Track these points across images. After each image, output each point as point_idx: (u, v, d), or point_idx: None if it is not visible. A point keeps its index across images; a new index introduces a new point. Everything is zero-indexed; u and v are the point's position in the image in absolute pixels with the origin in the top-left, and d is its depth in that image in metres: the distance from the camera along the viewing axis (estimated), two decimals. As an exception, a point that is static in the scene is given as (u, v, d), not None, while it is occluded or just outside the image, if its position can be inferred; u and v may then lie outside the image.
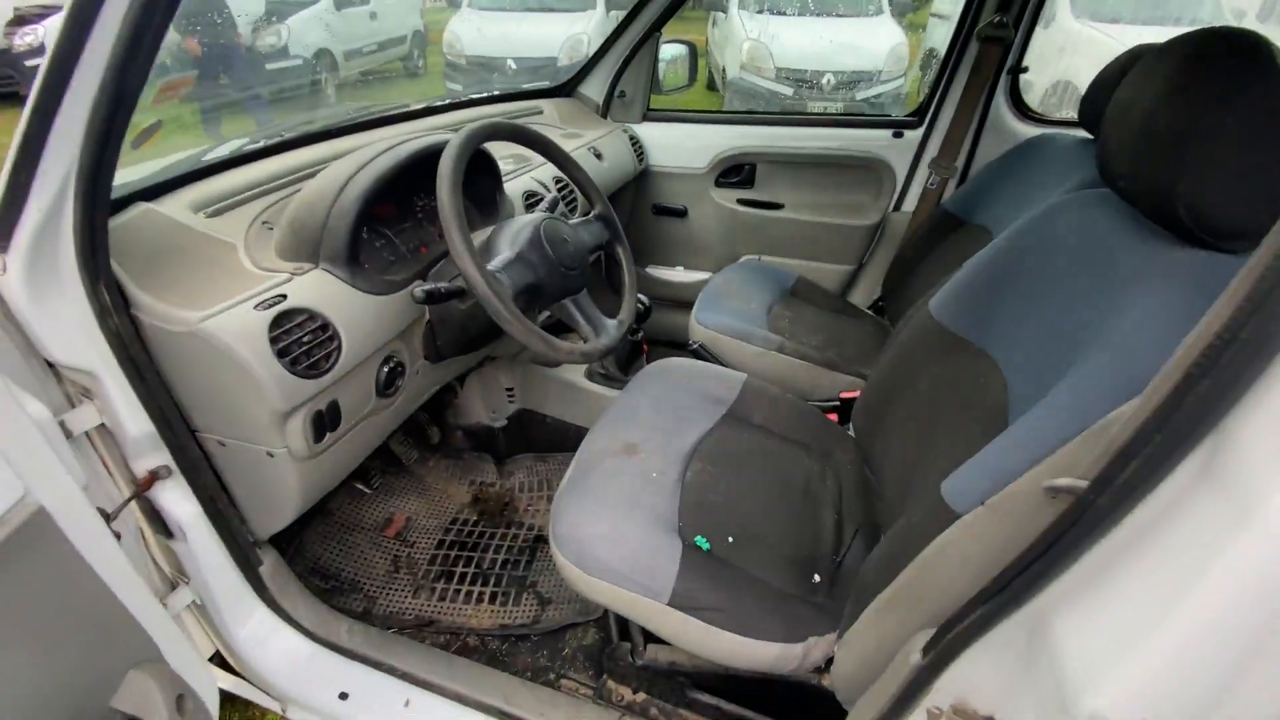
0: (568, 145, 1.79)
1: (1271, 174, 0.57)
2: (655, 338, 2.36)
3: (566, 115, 2.00)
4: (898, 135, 1.91)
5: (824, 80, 5.54)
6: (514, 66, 6.29)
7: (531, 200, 1.40)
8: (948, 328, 1.05)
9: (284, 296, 0.87)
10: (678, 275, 2.31)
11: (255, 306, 0.84)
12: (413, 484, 1.64)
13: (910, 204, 1.97)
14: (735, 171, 2.11)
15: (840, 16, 6.05)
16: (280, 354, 0.83)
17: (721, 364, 1.58)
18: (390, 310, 1.01)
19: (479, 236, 1.11)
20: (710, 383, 1.34)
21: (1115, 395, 0.55)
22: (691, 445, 1.14)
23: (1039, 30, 1.77)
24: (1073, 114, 1.43)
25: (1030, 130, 1.81)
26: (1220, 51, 0.61)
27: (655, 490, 1.03)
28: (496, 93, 1.89)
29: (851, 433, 1.32)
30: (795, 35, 5.79)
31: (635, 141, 2.06)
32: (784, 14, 6.06)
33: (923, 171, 1.91)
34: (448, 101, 1.72)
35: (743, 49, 5.77)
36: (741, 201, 2.12)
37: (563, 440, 1.67)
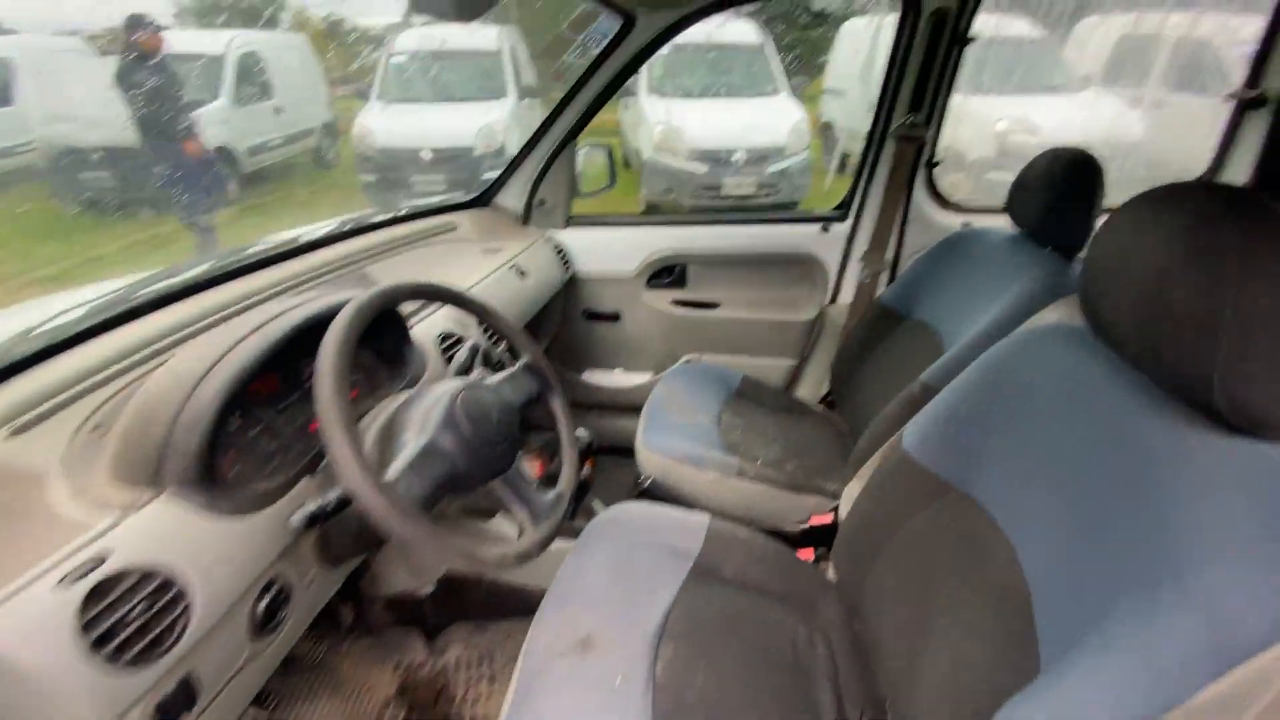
0: (488, 262, 1.65)
1: None
2: (600, 446, 2.19)
3: (485, 228, 1.87)
4: (825, 230, 1.90)
5: (735, 158, 5.77)
6: (428, 157, 6.22)
7: (449, 345, 1.23)
8: (927, 468, 0.95)
9: (103, 558, 0.64)
10: (617, 379, 2.18)
11: (60, 581, 0.61)
12: (323, 681, 1.36)
13: (846, 296, 1.94)
14: (667, 273, 2.03)
15: (742, 97, 6.40)
16: (98, 643, 0.60)
17: (677, 495, 1.43)
18: (265, 530, 0.79)
19: (384, 409, 0.93)
20: (670, 533, 1.18)
21: (1217, 664, 0.44)
22: (658, 624, 0.97)
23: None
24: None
25: (951, 219, 1.84)
26: (1237, 217, 0.54)
27: (622, 705, 0.84)
28: (404, 212, 1.74)
29: (831, 574, 1.18)
30: (702, 117, 6.05)
31: (560, 250, 1.96)
32: (689, 97, 6.34)
33: (854, 265, 1.89)
34: (349, 228, 1.55)
35: (655, 132, 5.96)
36: (676, 302, 2.03)
37: (504, 603, 1.44)
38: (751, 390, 1.80)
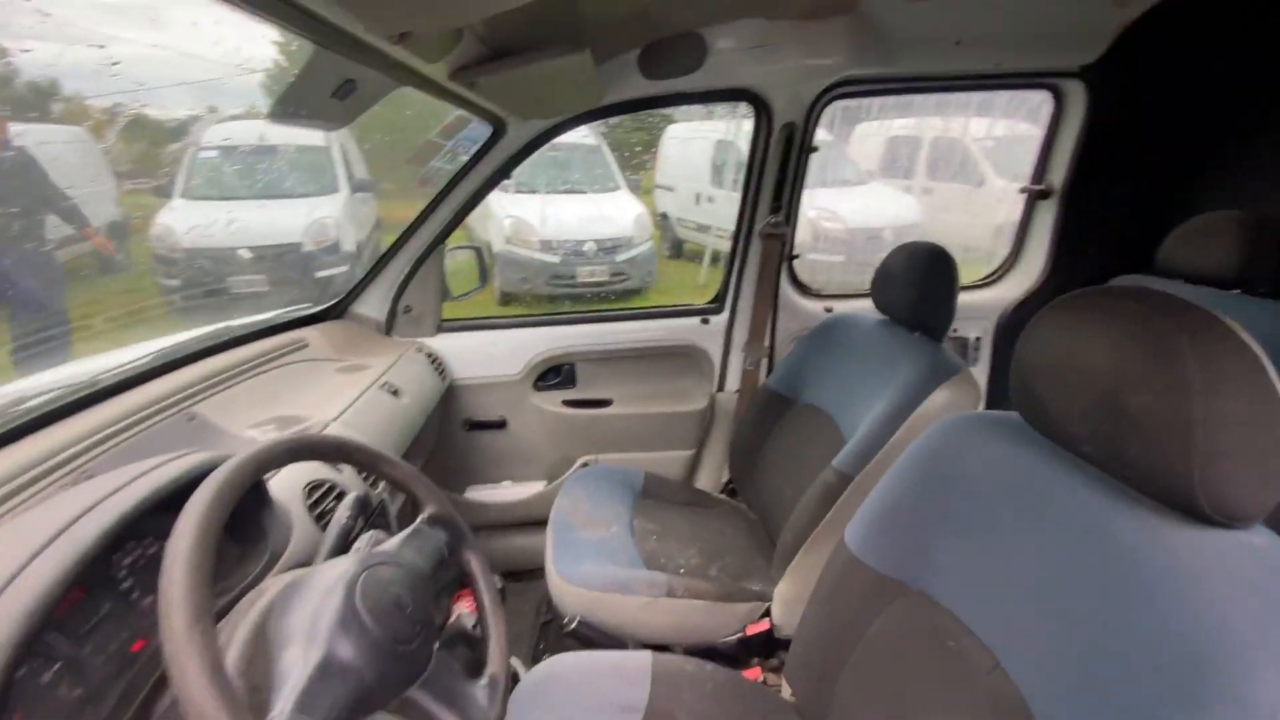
0: (353, 383, 1.43)
1: (1273, 452, 0.54)
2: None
3: (340, 342, 1.64)
4: (705, 322, 1.94)
5: (585, 248, 5.96)
6: (248, 255, 5.60)
7: (318, 498, 1.00)
8: (877, 569, 0.92)
9: None
10: (506, 492, 1.98)
11: None
12: None
13: (732, 383, 1.97)
14: (554, 373, 1.93)
15: (585, 193, 6.70)
16: None
17: (606, 627, 1.28)
18: None
19: (244, 614, 0.69)
20: (613, 683, 1.03)
21: None
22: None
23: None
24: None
25: (814, 305, 1.97)
26: (1190, 327, 0.58)
27: None
28: (240, 332, 1.46)
29: (787, 694, 1.10)
30: (551, 211, 6.22)
31: (434, 358, 1.78)
32: (536, 193, 6.50)
33: (736, 353, 1.95)
34: (166, 360, 1.25)
35: (505, 225, 5.99)
36: (567, 403, 1.93)
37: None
38: (656, 487, 1.73)
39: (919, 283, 1.34)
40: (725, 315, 1.95)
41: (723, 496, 1.82)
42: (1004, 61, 1.67)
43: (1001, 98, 5.28)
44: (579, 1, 1.14)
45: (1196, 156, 1.73)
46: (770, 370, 1.94)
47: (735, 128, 6.48)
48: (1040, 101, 1.87)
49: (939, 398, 1.21)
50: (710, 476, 2.00)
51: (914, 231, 6.19)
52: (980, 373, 2.06)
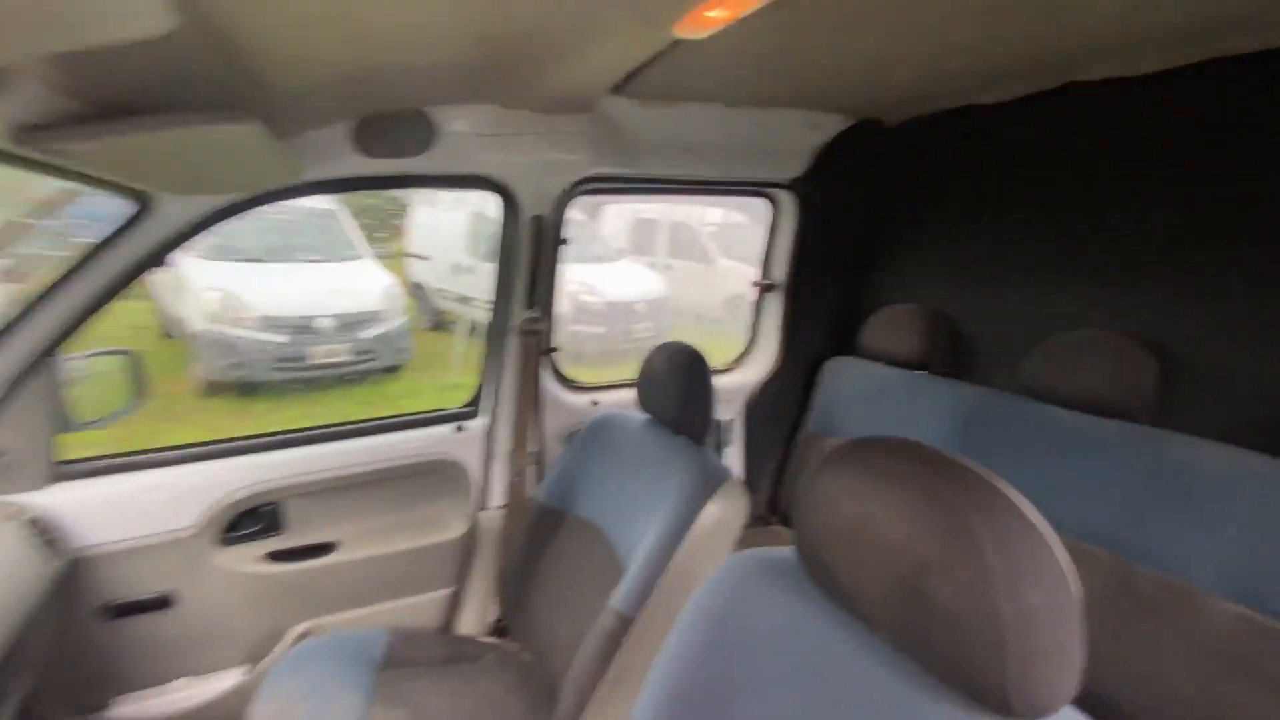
0: None
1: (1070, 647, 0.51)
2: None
3: None
4: (459, 429, 1.68)
5: (321, 325, 5.18)
6: None
7: None
8: None
9: None
10: (177, 698, 1.41)
11: None
12: None
13: (498, 498, 1.72)
14: (250, 518, 1.46)
15: (319, 262, 5.90)
16: None
17: None
18: None
19: None
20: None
21: None
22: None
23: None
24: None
25: (579, 398, 1.86)
26: (980, 506, 0.53)
27: None
28: None
29: None
30: (274, 283, 5.31)
31: (40, 525, 1.20)
32: (253, 261, 5.51)
33: (500, 463, 1.71)
34: None
35: (208, 299, 4.92)
36: (273, 556, 1.47)
37: None
38: (403, 649, 1.38)
39: (679, 386, 1.29)
40: (484, 420, 1.71)
41: (491, 641, 1.53)
42: (728, 170, 1.80)
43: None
44: (243, 57, 0.86)
45: (883, 257, 2.07)
46: (540, 478, 1.75)
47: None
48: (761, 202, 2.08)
49: (711, 512, 1.15)
50: (476, 617, 1.69)
51: (663, 304, 6.73)
52: (736, 453, 2.14)
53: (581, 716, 1.09)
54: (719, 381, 2.11)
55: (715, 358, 2.25)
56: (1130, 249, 1.44)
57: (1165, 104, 1.37)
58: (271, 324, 4.99)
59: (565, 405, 1.82)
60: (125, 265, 1.22)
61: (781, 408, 2.16)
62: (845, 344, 2.11)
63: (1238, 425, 1.24)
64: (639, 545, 1.19)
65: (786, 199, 1.99)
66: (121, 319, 5.75)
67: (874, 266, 2.09)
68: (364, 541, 1.57)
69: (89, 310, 1.22)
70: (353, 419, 1.63)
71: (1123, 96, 1.42)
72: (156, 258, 1.25)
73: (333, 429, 1.58)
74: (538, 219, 1.59)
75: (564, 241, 1.70)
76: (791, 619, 0.71)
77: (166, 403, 4.72)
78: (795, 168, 1.89)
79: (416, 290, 7.43)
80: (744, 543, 2.06)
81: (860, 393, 1.96)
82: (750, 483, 2.16)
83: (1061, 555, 0.53)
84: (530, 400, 1.69)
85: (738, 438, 2.14)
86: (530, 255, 1.61)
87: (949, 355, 1.80)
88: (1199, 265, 1.32)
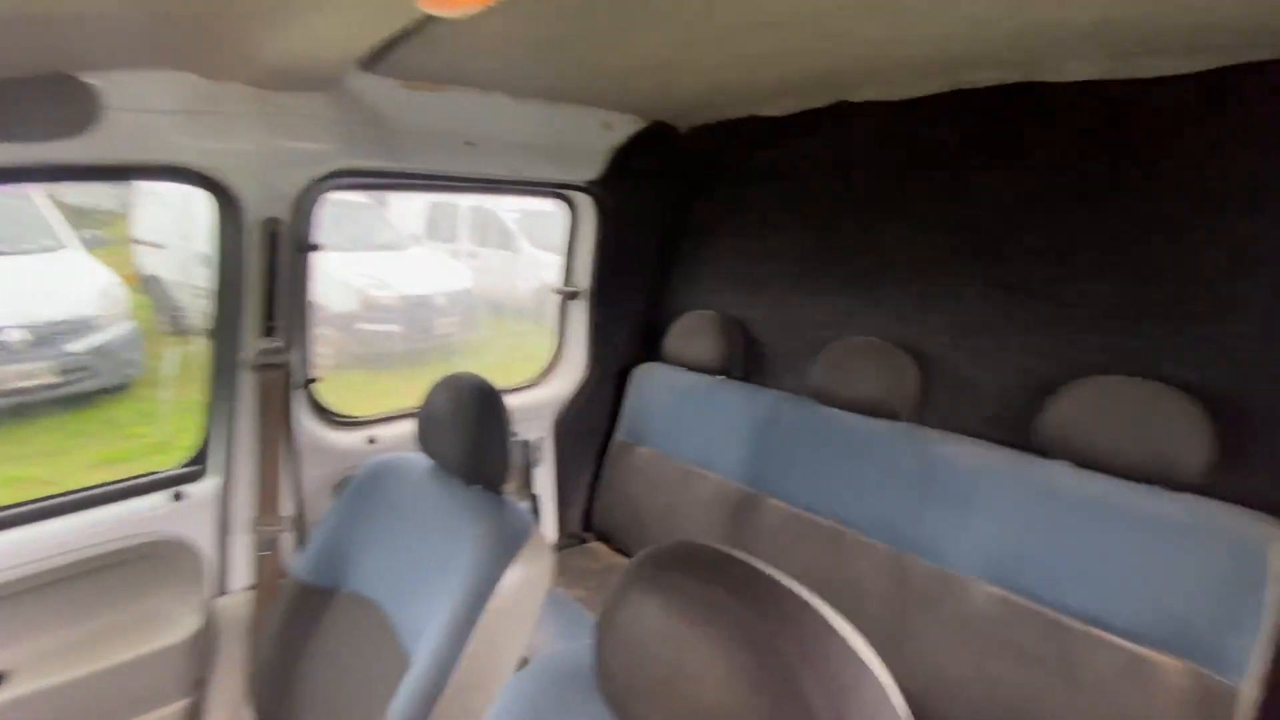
0: None
1: None
2: None
3: None
4: (179, 497, 1.29)
5: (8, 337, 3.93)
6: None
7: None
8: None
9: None
10: None
11: None
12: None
13: (241, 581, 1.36)
14: None
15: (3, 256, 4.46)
16: None
17: None
18: None
19: None
20: None
21: None
22: None
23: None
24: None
25: (351, 437, 1.56)
26: (797, 634, 0.44)
27: None
28: None
29: None
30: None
31: None
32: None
33: (241, 535, 1.35)
34: None
35: None
36: None
37: None
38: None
39: (470, 428, 1.10)
40: (214, 481, 1.33)
41: (243, 759, 1.21)
42: (518, 169, 1.62)
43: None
44: None
45: (683, 264, 2.05)
46: (301, 545, 1.43)
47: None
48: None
49: (512, 578, 0.99)
50: (220, 727, 1.34)
51: (466, 297, 6.29)
52: (546, 472, 2.00)
53: None
54: (524, 398, 1.94)
55: (523, 367, 2.09)
56: (890, 261, 1.56)
57: (916, 128, 1.49)
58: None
59: (332, 448, 1.51)
60: None
61: (593, 419, 2.06)
62: (653, 350, 2.07)
63: (983, 421, 1.40)
64: (425, 629, 0.99)
65: (584, 202, 1.87)
66: None
67: (674, 273, 2.07)
68: (47, 665, 1.13)
69: None
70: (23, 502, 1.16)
71: (881, 119, 1.52)
72: None
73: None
74: (271, 222, 1.26)
75: (313, 248, 1.38)
76: None
77: None
78: (591, 169, 1.77)
79: (150, 285, 6.02)
80: (562, 561, 1.96)
81: (666, 399, 1.93)
82: (564, 499, 2.04)
83: (899, 705, 0.46)
84: (279, 449, 1.35)
85: (548, 456, 2.00)
86: (263, 269, 1.27)
87: (745, 361, 1.84)
88: (943, 278, 1.47)
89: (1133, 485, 1.15)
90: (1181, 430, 1.10)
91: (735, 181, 1.88)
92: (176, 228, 5.80)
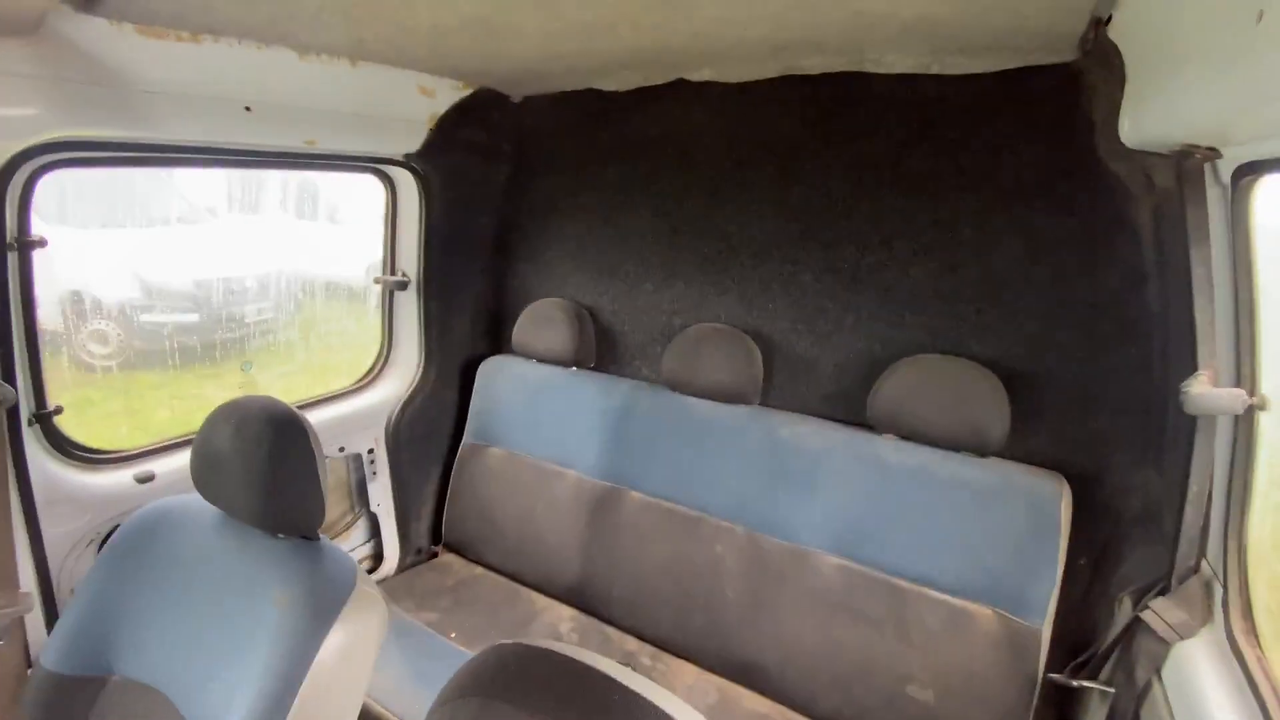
0: None
1: None
2: None
3: None
4: None
5: None
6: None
7: None
8: None
9: None
10: None
11: None
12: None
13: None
14: None
15: None
16: None
17: None
18: None
19: None
20: None
21: None
22: None
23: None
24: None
25: (115, 478, 1.24)
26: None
27: None
28: None
29: None
30: None
31: None
32: None
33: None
34: None
35: None
36: None
37: None
38: None
39: (265, 470, 0.89)
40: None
41: None
42: (318, 140, 1.36)
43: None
44: None
45: (525, 247, 1.89)
46: (49, 626, 1.12)
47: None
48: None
49: (333, 645, 0.84)
50: None
51: (281, 277, 5.51)
52: (382, 489, 1.78)
53: None
54: (350, 405, 1.70)
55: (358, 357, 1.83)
56: (734, 246, 1.56)
57: (754, 111, 1.48)
58: None
59: (86, 497, 1.19)
60: None
61: (433, 421, 1.87)
62: (498, 342, 1.92)
63: (823, 400, 1.47)
64: (228, 712, 0.80)
65: (404, 178, 1.64)
66: None
67: (517, 257, 1.91)
68: None
69: None
70: None
71: (720, 100, 1.49)
72: None
73: None
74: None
75: (29, 245, 1.05)
76: None
77: None
78: (410, 141, 1.55)
79: None
80: (409, 582, 1.78)
81: (516, 394, 1.81)
82: (407, 514, 1.84)
83: None
84: (10, 506, 1.03)
85: (383, 467, 1.78)
86: None
87: (597, 349, 1.77)
88: (783, 263, 1.50)
89: (947, 454, 1.27)
90: (986, 402, 1.22)
91: (578, 159, 1.76)
92: None
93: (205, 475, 0.93)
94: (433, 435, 1.87)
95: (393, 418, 1.77)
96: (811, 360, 1.48)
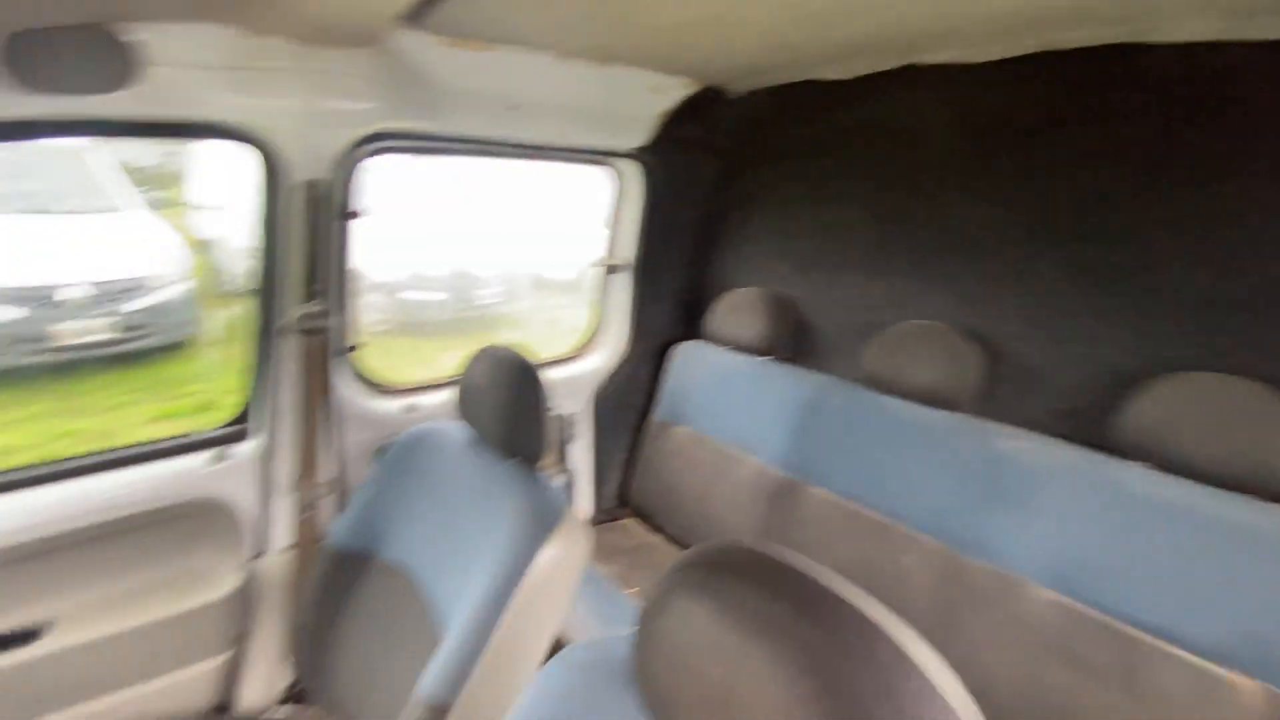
0: None
1: None
2: None
3: None
4: (222, 458, 1.30)
5: (68, 295, 4.11)
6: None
7: None
8: None
9: None
10: None
11: None
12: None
13: (281, 542, 1.38)
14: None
15: (59, 214, 4.65)
16: None
17: None
18: None
19: None
20: None
21: None
22: None
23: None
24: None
25: (390, 405, 1.55)
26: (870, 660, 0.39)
27: None
28: None
29: None
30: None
31: None
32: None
33: (282, 498, 1.37)
34: None
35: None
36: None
37: None
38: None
39: (508, 402, 1.07)
40: (257, 443, 1.35)
41: (284, 711, 1.24)
42: (564, 135, 1.56)
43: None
44: None
45: (728, 237, 1.96)
46: (341, 510, 1.44)
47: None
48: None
49: (546, 557, 0.97)
50: (263, 685, 1.37)
51: (518, 273, 6.31)
52: (583, 447, 1.97)
53: None
54: (563, 372, 1.91)
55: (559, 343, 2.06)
56: (956, 239, 1.45)
57: (995, 94, 1.36)
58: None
59: (371, 416, 1.51)
60: None
61: (631, 395, 2.02)
62: (695, 328, 2.01)
63: (1051, 415, 1.30)
64: (457, 602, 0.97)
65: (630, 170, 1.80)
66: None
67: (720, 247, 1.98)
68: (90, 618, 1.17)
69: None
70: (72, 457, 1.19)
71: (956, 84, 1.39)
72: None
73: (35, 472, 1.14)
74: (312, 185, 1.23)
75: (353, 215, 1.36)
76: None
77: None
78: (639, 135, 1.70)
79: (206, 248, 6.22)
80: (597, 537, 1.95)
81: (707, 379, 1.87)
82: (599, 475, 2.02)
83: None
84: (320, 414, 1.35)
85: (585, 430, 1.97)
86: (305, 232, 1.25)
87: (792, 341, 1.76)
88: (1017, 259, 1.35)
89: (1219, 493, 1.05)
90: (1278, 435, 0.99)
91: (790, 151, 1.78)
92: (232, 190, 5.95)
93: (465, 401, 1.13)
94: (629, 407, 2.02)
95: (598, 387, 1.95)
96: (1041, 369, 1.32)
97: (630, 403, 2.02)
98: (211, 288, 5.57)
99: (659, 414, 1.97)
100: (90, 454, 1.21)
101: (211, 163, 6.26)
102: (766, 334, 1.73)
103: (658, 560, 1.81)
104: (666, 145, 1.73)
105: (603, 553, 1.81)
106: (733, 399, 1.79)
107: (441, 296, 5.71)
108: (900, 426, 1.44)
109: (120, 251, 4.53)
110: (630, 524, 2.01)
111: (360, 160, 1.31)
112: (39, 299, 4.00)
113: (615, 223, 1.90)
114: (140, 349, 4.40)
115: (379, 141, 1.31)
